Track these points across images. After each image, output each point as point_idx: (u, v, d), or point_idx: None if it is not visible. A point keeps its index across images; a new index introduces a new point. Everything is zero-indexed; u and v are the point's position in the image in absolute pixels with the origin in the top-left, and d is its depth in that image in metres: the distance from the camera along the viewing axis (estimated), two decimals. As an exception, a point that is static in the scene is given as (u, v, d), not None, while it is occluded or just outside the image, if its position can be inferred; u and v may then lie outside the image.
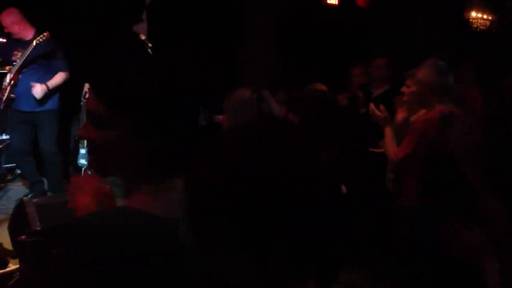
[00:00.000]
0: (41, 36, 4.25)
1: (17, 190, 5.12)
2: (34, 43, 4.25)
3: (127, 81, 0.96)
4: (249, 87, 2.01)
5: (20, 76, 4.44)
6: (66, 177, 4.52)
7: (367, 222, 3.33)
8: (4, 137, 5.51)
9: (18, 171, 5.60)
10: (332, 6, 6.43)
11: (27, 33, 4.48)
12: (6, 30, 4.46)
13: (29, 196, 4.20)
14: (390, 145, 2.85)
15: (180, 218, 0.96)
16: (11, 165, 5.55)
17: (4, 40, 4.76)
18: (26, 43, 4.43)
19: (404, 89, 2.89)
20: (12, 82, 4.44)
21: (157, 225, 0.93)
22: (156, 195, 0.98)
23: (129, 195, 1.00)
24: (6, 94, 4.45)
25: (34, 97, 4.41)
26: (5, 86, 4.48)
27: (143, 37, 4.23)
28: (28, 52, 4.31)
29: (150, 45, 4.19)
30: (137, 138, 0.96)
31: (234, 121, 1.99)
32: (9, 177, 5.36)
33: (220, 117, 3.31)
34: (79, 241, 0.87)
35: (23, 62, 4.37)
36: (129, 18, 4.49)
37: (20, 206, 3.45)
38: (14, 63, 4.45)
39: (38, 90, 4.37)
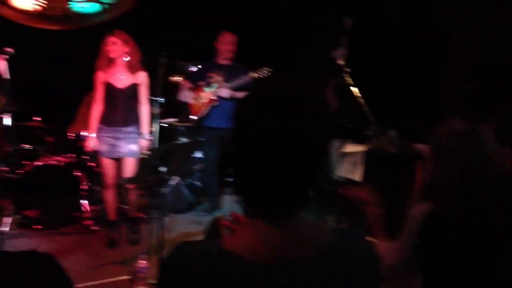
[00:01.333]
0: (263, 70, 4.62)
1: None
2: (256, 76, 4.64)
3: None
4: (463, 120, 1.72)
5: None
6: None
7: None
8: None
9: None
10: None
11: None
12: (228, 47, 4.94)
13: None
14: None
15: (282, 264, 0.88)
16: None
17: (196, 68, 5.29)
18: (220, 66, 4.92)
19: None
20: (215, 103, 4.88)
21: (238, 267, 0.88)
22: (261, 235, 0.91)
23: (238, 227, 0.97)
24: (202, 112, 4.90)
25: (229, 115, 4.73)
26: (198, 104, 4.91)
27: (341, 62, 4.17)
28: (243, 81, 4.72)
29: (348, 70, 4.11)
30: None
31: (438, 155, 1.75)
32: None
33: (420, 146, 3.01)
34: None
35: (233, 86, 4.78)
36: (327, 42, 4.50)
37: (215, 223, 3.65)
38: (212, 84, 4.88)
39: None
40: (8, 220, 4.39)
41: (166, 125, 4.87)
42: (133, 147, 4.15)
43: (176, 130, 5.41)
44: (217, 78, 4.90)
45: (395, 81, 5.39)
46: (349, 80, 4.12)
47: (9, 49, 3.67)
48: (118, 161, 4.19)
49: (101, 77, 4.11)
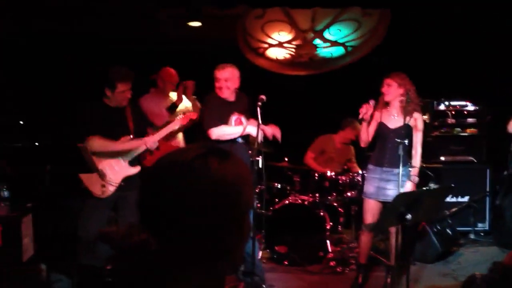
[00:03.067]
0: None
1: (468, 256, 4.88)
2: None
3: None
4: None
5: None
6: None
7: None
8: (460, 199, 5.45)
9: (472, 236, 5.40)
10: None
11: None
12: None
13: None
14: None
15: None
16: (465, 228, 5.42)
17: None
18: None
19: None
20: None
21: None
22: None
23: None
24: None
25: None
26: None
27: None
28: None
29: None
30: None
31: None
32: (461, 241, 5.20)
33: None
34: None
35: None
36: None
37: (471, 281, 3.20)
38: None
39: None
40: (259, 253, 4.72)
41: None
42: (401, 191, 3.95)
43: (425, 174, 5.05)
44: None
45: None
46: None
47: (262, 97, 4.00)
48: (383, 204, 4.06)
49: (376, 116, 4.13)
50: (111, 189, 3.65)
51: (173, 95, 5.07)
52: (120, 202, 3.73)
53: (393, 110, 4.05)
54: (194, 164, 0.93)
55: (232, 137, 3.98)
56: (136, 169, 3.73)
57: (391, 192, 3.92)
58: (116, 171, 3.68)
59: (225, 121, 3.98)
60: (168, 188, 0.92)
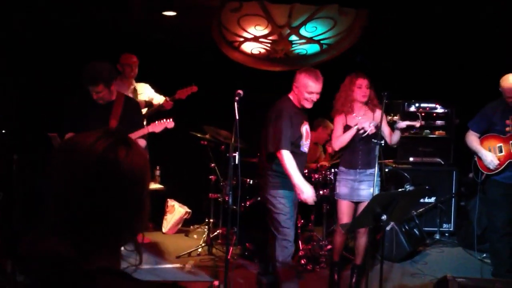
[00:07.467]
0: None
1: (434, 256, 5.02)
2: None
3: None
4: None
5: None
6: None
7: None
8: (427, 200, 5.58)
9: (437, 237, 5.54)
10: None
11: None
12: None
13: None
14: None
15: None
16: (430, 229, 5.55)
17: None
18: None
19: None
20: None
21: None
22: None
23: None
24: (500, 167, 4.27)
25: None
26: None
27: None
28: None
29: None
30: None
31: None
32: (427, 241, 5.33)
33: None
34: None
35: None
36: None
37: (443, 283, 3.27)
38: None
39: None
40: (230, 249, 4.68)
41: (387, 170, 4.58)
42: (374, 191, 3.94)
43: (401, 175, 5.12)
44: None
45: None
46: None
47: (239, 91, 3.94)
48: (356, 204, 4.07)
49: (341, 119, 4.06)
50: None
51: (139, 85, 5.12)
52: None
53: (360, 111, 4.03)
54: (107, 158, 0.96)
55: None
56: None
57: (365, 192, 3.97)
58: None
59: (297, 132, 3.66)
60: (81, 181, 0.94)
